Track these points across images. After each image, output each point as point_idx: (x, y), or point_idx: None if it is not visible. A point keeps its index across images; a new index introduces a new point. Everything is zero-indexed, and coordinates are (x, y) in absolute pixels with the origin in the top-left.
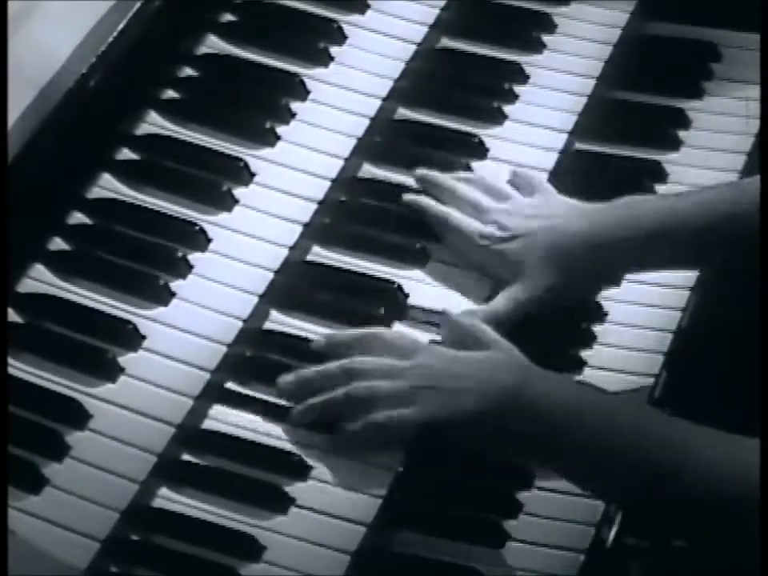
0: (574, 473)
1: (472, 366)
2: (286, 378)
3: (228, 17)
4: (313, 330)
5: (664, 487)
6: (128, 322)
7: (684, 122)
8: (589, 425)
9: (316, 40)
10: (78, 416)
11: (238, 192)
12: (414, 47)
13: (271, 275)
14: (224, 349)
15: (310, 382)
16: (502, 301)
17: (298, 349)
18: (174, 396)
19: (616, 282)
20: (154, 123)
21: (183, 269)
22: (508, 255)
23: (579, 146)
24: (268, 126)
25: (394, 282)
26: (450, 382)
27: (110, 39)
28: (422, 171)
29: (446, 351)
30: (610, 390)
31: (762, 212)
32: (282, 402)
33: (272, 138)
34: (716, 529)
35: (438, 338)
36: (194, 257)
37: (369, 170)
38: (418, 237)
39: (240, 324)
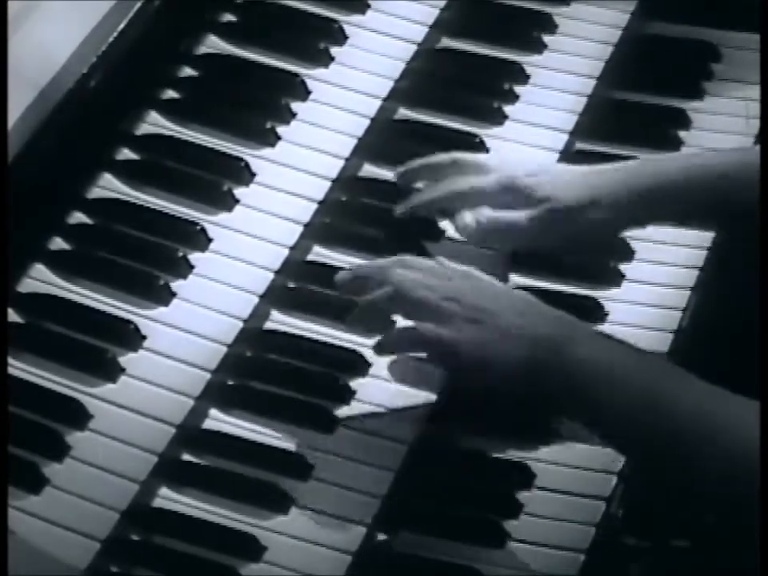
0: (604, 432)
1: (513, 310)
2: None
3: (228, 17)
4: (313, 330)
5: (695, 455)
6: (129, 321)
7: (684, 121)
8: (629, 390)
9: (316, 40)
10: (78, 416)
11: (239, 192)
12: (414, 47)
13: (272, 275)
14: (224, 349)
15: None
16: (525, 213)
17: (299, 349)
18: (174, 396)
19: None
20: (154, 123)
21: (184, 269)
22: (535, 187)
23: (580, 146)
24: (268, 125)
25: None
26: (492, 320)
27: (110, 39)
28: (403, 169)
29: (483, 281)
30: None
31: (762, 213)
32: (283, 402)
33: (272, 138)
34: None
35: None
36: (194, 257)
37: (369, 170)
38: (418, 236)
39: (240, 324)
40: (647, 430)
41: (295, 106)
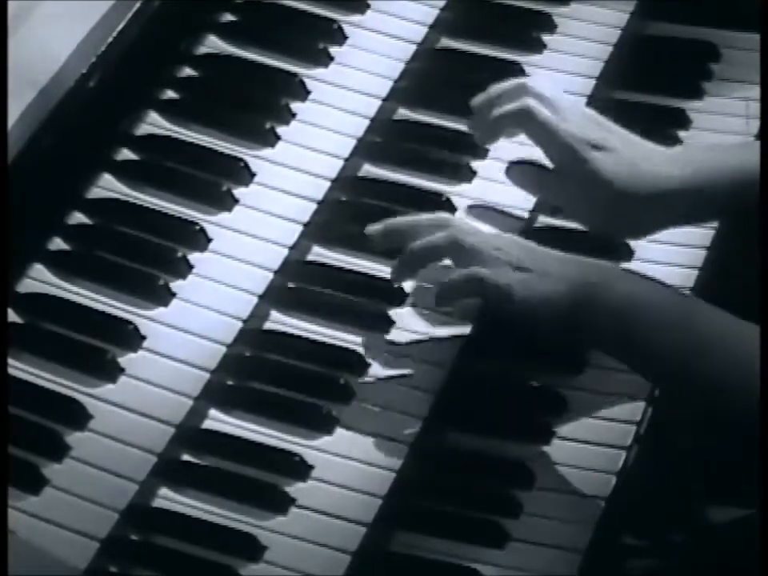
0: (644, 367)
1: (555, 259)
2: (375, 227)
3: (228, 17)
4: (313, 330)
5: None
6: (128, 322)
7: (684, 122)
8: (664, 319)
9: (316, 40)
10: (78, 416)
11: (238, 192)
12: (414, 47)
13: (271, 275)
14: (224, 349)
15: (400, 233)
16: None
17: (298, 349)
18: (174, 396)
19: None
20: (153, 123)
21: (183, 269)
22: (599, 172)
23: None
24: (268, 126)
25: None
26: (538, 268)
27: (110, 39)
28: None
29: (525, 241)
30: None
31: (761, 213)
32: (283, 402)
33: (272, 138)
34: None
35: None
36: (194, 257)
37: (369, 170)
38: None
39: (240, 324)
40: (680, 355)
41: (295, 106)
